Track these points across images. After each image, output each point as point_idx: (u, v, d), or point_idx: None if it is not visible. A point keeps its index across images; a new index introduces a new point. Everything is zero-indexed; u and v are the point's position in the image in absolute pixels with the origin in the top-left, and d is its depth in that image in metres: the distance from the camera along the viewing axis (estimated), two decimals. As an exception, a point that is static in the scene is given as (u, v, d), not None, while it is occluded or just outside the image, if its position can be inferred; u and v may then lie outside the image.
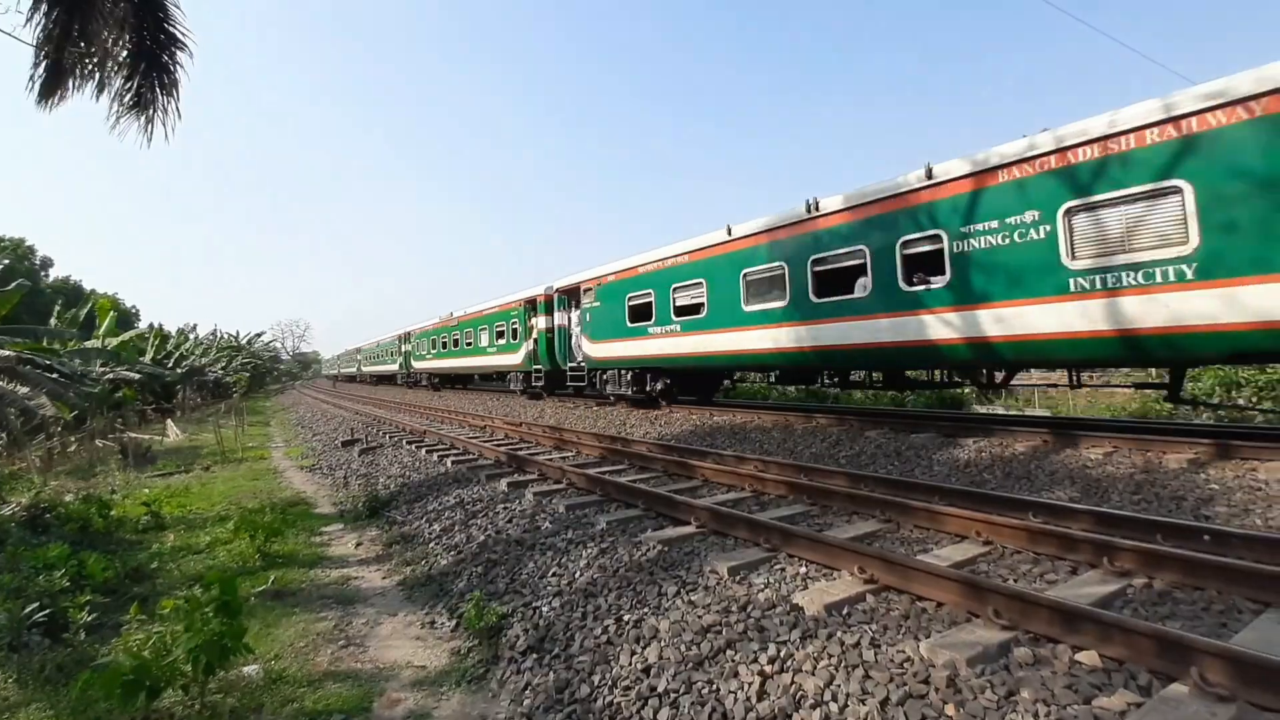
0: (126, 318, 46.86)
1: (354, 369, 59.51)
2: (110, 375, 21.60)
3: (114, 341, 24.53)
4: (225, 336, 63.64)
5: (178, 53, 9.11)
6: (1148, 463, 6.83)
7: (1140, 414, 14.81)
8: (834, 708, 2.84)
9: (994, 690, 2.78)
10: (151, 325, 41.55)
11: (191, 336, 45.30)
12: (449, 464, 9.47)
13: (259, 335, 73.87)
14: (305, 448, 15.35)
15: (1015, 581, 4.10)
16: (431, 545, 6.25)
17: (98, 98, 8.82)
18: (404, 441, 12.60)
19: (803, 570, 4.33)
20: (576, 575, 4.76)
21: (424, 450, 11.06)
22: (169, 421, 22.46)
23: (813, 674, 3.07)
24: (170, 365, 31.72)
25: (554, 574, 4.88)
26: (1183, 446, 7.06)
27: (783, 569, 4.40)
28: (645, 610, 4.01)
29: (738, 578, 4.31)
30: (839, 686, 2.96)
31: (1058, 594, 3.59)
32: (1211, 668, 2.65)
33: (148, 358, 28.26)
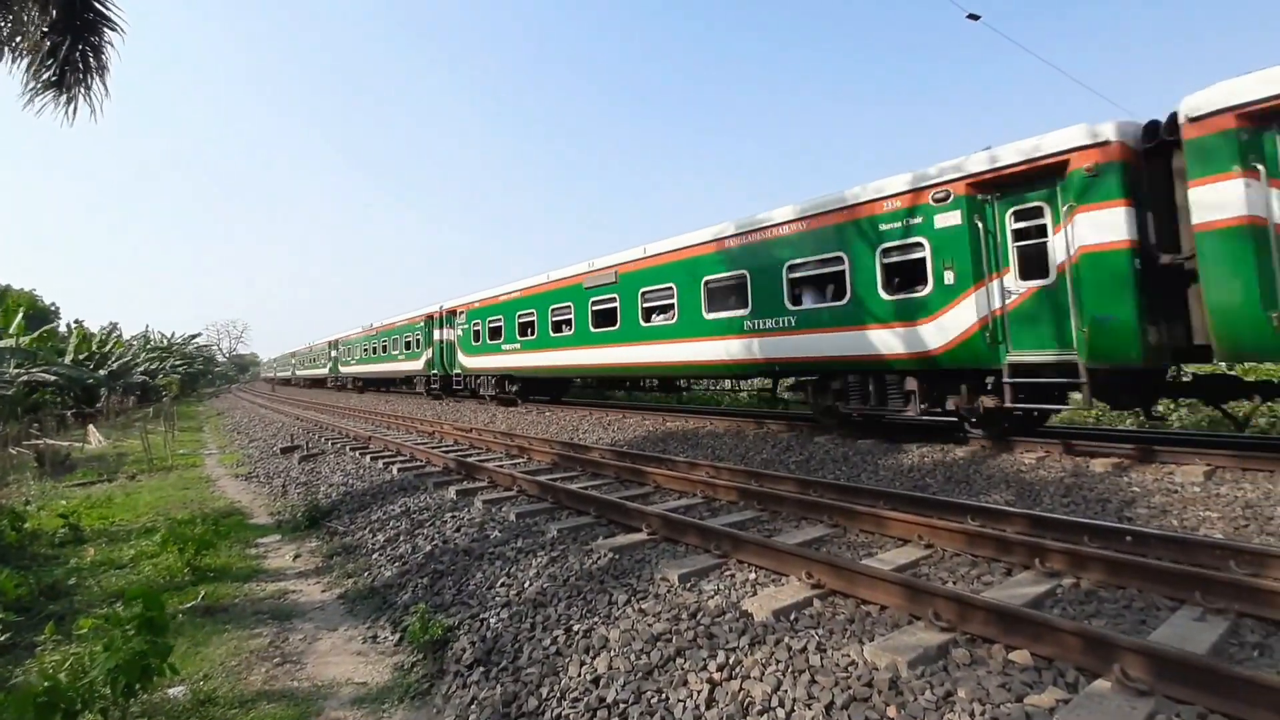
0: (44, 315, 43.82)
1: (272, 374, 78.61)
2: (25, 377, 20.19)
3: (27, 340, 22.93)
4: (158, 337, 60.39)
5: (108, 31, 8.65)
6: (1076, 467, 7.19)
7: (1067, 420, 15.59)
8: (781, 714, 2.87)
9: (933, 691, 2.86)
10: (69, 325, 38.92)
11: (115, 336, 42.66)
12: (395, 471, 9.21)
13: (194, 337, 70.35)
14: (241, 455, 14.67)
15: (954, 584, 4.24)
16: (375, 556, 6.06)
17: (15, 71, 8.29)
18: (347, 448, 12.19)
19: (752, 576, 4.38)
20: (526, 585, 4.69)
21: (369, 457, 10.73)
22: (91, 427, 21.11)
23: (761, 680, 3.10)
24: (93, 367, 29.87)
25: (503, 584, 4.79)
26: (1108, 451, 7.46)
27: (733, 575, 4.44)
28: (595, 620, 3.97)
29: (688, 585, 4.32)
30: (786, 692, 2.99)
31: (993, 595, 3.74)
32: (1132, 664, 2.80)
33: (68, 358, 26.55)
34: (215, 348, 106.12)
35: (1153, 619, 3.58)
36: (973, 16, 11.39)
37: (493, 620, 4.25)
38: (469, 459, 9.63)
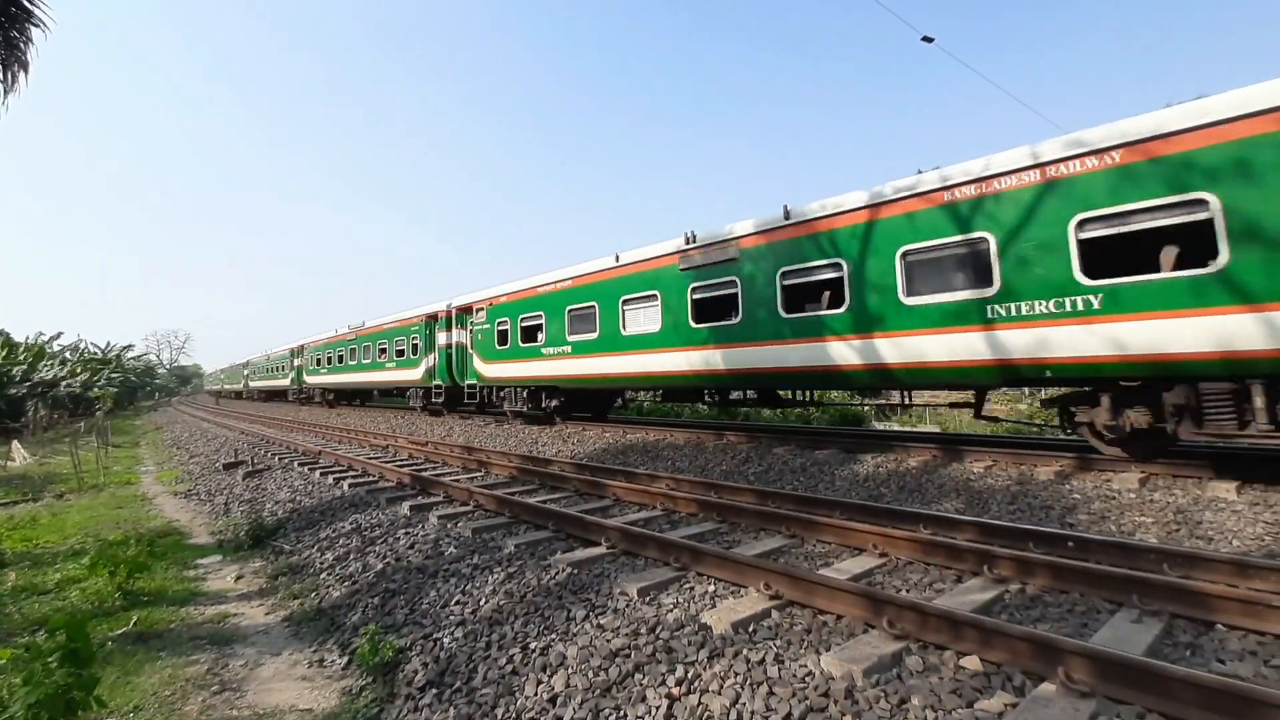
0: (-35, 325, 41.01)
1: (218, 386, 75.37)
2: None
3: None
4: (91, 348, 57.38)
5: (31, 28, 8.34)
6: (1022, 475, 7.44)
7: (1015, 431, 16.15)
8: (739, 727, 2.86)
9: (888, 699, 2.90)
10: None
11: (40, 346, 40.26)
12: (345, 487, 8.91)
13: (128, 347, 67.07)
14: (180, 471, 14.01)
15: (908, 591, 4.32)
16: (323, 576, 5.83)
17: None
18: (295, 463, 11.74)
19: (711, 589, 4.38)
20: (481, 602, 4.58)
21: (318, 472, 10.36)
22: (15, 443, 19.86)
23: (719, 693, 3.08)
24: (19, 379, 28.15)
25: (458, 602, 4.66)
26: (1050, 460, 7.75)
27: (692, 588, 4.43)
28: (553, 636, 3.90)
29: (647, 598, 4.29)
30: (744, 705, 2.98)
31: (944, 603, 3.82)
32: (1075, 666, 2.89)
33: (-9, 370, 24.97)
34: (155, 357, 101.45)
35: (1094, 622, 3.71)
36: (927, 39, 11.88)
37: (446, 640, 4.13)
38: (424, 473, 9.40)
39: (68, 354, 48.57)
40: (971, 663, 3.16)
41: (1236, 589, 3.82)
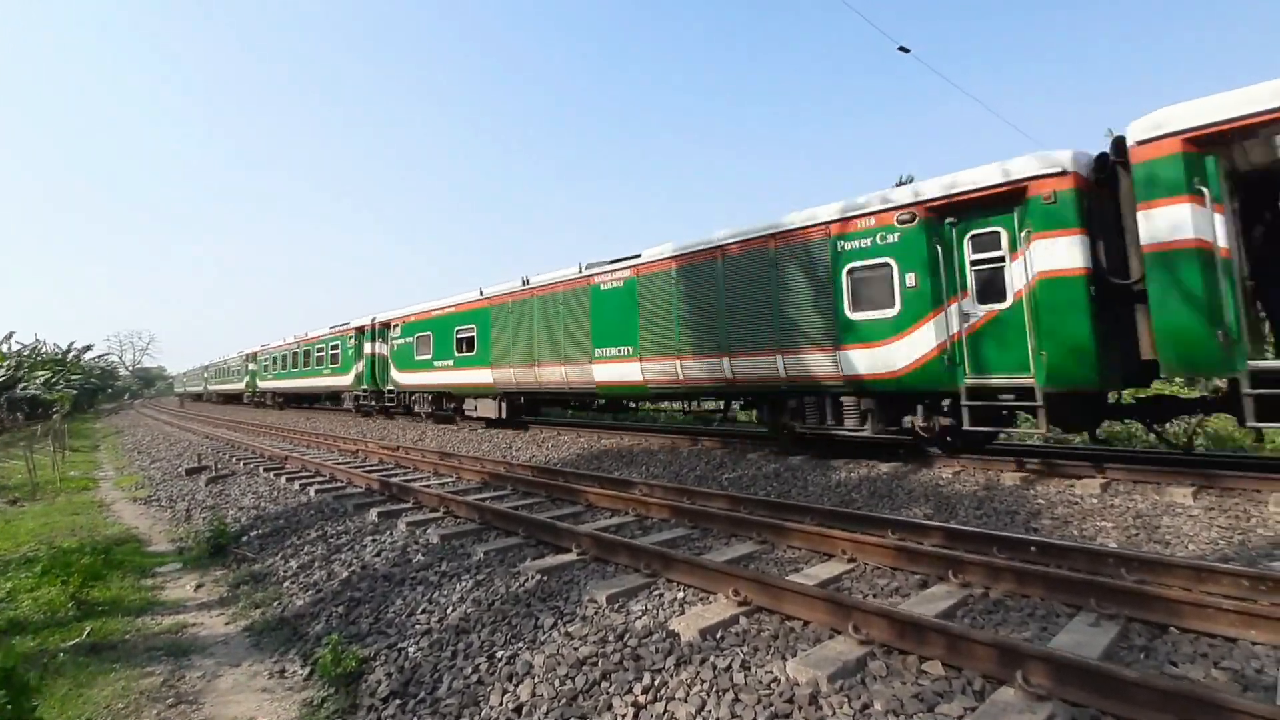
0: (-84, 324, 39.38)
1: (183, 388, 73.75)
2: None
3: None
4: (51, 349, 55.53)
5: None
6: (989, 480, 7.58)
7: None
8: (705, 734, 2.86)
9: (851, 705, 2.92)
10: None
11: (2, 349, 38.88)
12: (312, 493, 8.74)
13: (88, 348, 65.13)
14: (141, 476, 13.58)
15: (874, 597, 4.36)
16: (287, 584, 5.69)
17: None
18: (261, 468, 11.48)
19: (680, 595, 4.37)
20: (448, 611, 4.51)
21: (284, 478, 10.14)
22: (-33, 447, 19.10)
23: (685, 701, 3.08)
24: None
25: (424, 610, 4.59)
26: (1017, 465, 7.91)
27: (661, 594, 4.42)
28: (520, 645, 3.86)
29: (616, 605, 4.27)
30: (710, 712, 2.98)
31: (909, 608, 3.87)
32: (1034, 670, 2.94)
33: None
34: (117, 359, 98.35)
35: (1053, 625, 3.78)
36: (903, 49, 12.04)
37: (411, 649, 4.06)
38: (393, 479, 9.25)
39: (22, 354, 46.81)
40: (934, 667, 3.20)
41: (1190, 592, 3.93)
